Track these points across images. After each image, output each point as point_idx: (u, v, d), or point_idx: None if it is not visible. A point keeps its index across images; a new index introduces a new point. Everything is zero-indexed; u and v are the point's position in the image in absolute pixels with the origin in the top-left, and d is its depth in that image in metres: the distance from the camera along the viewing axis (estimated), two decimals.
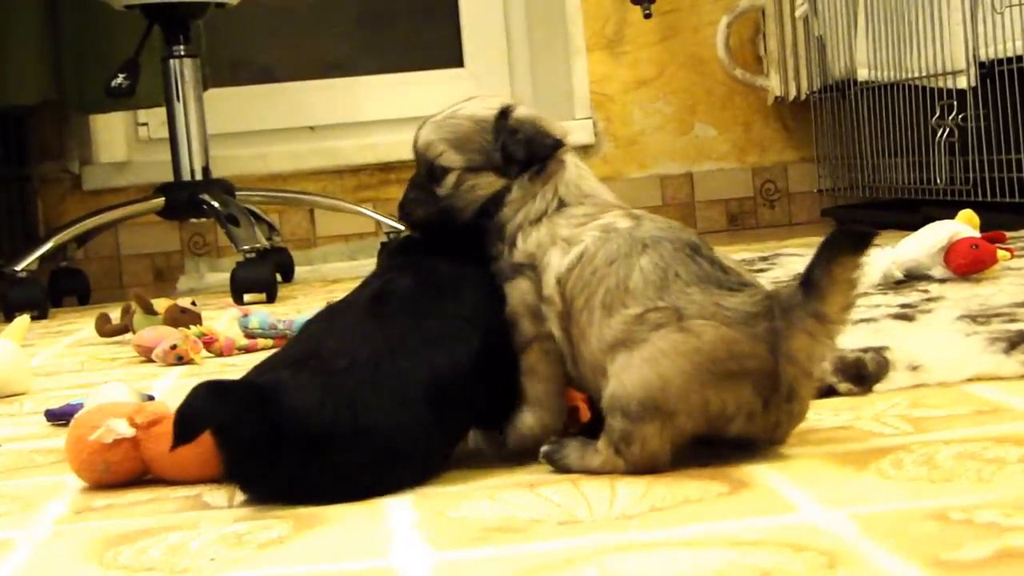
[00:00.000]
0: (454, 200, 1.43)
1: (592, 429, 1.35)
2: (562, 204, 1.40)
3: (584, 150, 4.57)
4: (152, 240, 4.48)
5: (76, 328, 3.11)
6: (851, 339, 1.79)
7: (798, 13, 4.29)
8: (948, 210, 2.64)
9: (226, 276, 3.59)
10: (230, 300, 3.28)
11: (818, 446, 1.32)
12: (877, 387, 1.59)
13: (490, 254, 1.42)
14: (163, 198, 3.74)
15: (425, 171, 1.46)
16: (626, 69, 4.62)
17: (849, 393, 1.58)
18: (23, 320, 2.28)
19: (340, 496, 1.27)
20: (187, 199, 3.70)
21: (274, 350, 1.72)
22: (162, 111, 3.82)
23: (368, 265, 3.91)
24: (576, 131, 4.57)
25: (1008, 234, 2.71)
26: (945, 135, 3.44)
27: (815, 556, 0.99)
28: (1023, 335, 1.69)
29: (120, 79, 3.56)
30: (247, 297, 3.39)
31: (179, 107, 3.73)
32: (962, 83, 3.37)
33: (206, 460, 1.34)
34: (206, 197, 3.65)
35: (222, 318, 2.92)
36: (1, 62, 3.86)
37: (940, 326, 1.87)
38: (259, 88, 4.73)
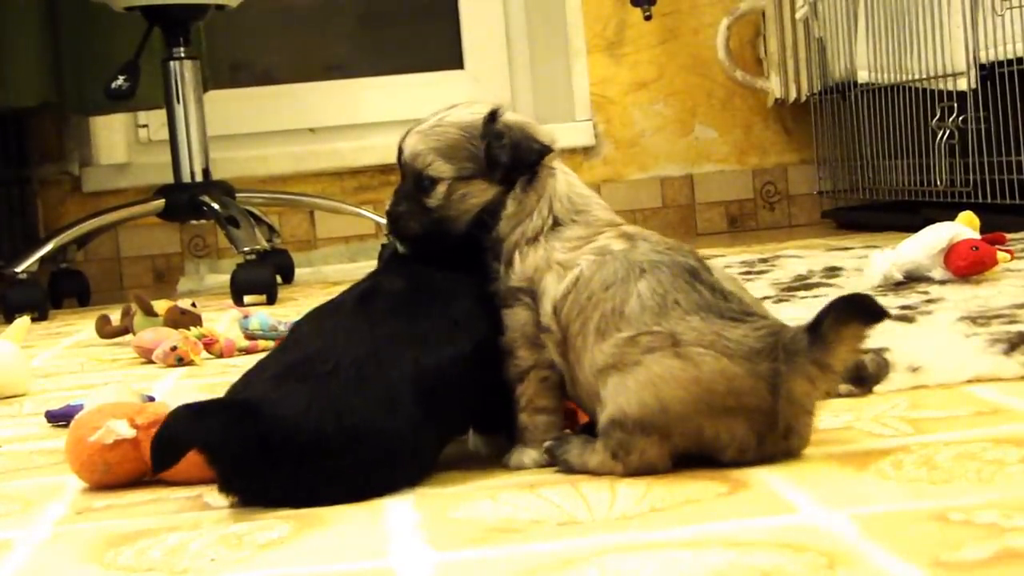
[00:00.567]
0: (446, 211, 1.41)
1: (591, 428, 1.35)
2: (557, 223, 1.39)
3: (584, 152, 4.57)
4: (152, 242, 4.48)
5: (76, 329, 3.11)
6: None
7: (798, 15, 4.29)
8: (948, 212, 2.64)
9: (226, 278, 3.59)
10: (230, 302, 3.28)
11: (818, 447, 1.32)
12: (877, 388, 1.59)
13: (488, 272, 1.41)
14: (163, 200, 3.74)
15: (413, 182, 1.43)
16: (626, 71, 4.62)
17: (849, 394, 1.58)
18: (23, 321, 2.28)
19: (334, 500, 1.27)
20: (187, 201, 3.70)
21: None
22: (162, 113, 3.82)
23: (368, 267, 3.90)
24: (576, 133, 4.57)
25: (1008, 236, 2.71)
26: (945, 137, 3.44)
27: (815, 557, 0.99)
28: (1023, 336, 1.69)
29: (120, 81, 3.56)
30: (247, 299, 3.39)
31: (179, 109, 3.73)
32: (962, 85, 3.37)
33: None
34: (206, 199, 3.65)
35: (222, 320, 2.92)
36: (1, 64, 3.86)
37: (940, 327, 1.87)
38: (259, 90, 4.73)
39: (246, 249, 3.47)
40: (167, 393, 2.00)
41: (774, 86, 4.47)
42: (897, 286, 2.36)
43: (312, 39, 4.87)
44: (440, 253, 1.42)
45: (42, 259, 3.63)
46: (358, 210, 4.13)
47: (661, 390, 1.25)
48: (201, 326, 2.51)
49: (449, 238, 1.42)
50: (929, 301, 2.14)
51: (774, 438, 1.26)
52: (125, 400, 1.55)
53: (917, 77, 3.57)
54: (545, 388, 1.38)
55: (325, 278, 4.09)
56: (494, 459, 1.41)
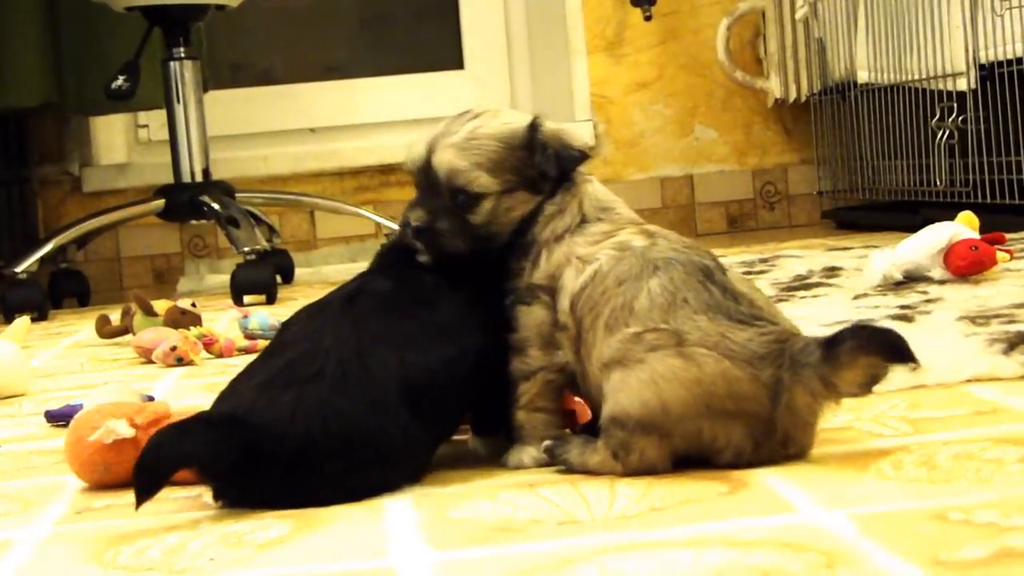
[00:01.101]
0: (490, 227, 1.39)
1: (591, 428, 1.35)
2: (584, 220, 1.38)
3: None
4: (152, 242, 4.48)
5: (76, 329, 3.11)
6: None
7: (798, 15, 4.29)
8: (948, 212, 2.64)
9: (226, 278, 3.59)
10: (230, 302, 3.28)
11: (817, 447, 1.32)
12: (876, 388, 1.59)
13: (510, 270, 1.39)
14: (163, 200, 3.74)
15: (451, 198, 1.39)
16: (626, 71, 4.62)
17: (849, 394, 1.58)
18: (23, 321, 2.28)
19: (328, 503, 1.26)
20: (187, 201, 3.70)
21: None
22: (162, 113, 3.82)
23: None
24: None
25: (1007, 236, 2.71)
26: (945, 137, 3.44)
27: (815, 556, 0.99)
28: (1022, 336, 1.69)
29: (120, 81, 3.56)
30: (247, 299, 3.39)
31: (179, 109, 3.73)
32: (962, 85, 3.37)
33: None
34: (206, 199, 3.65)
35: (222, 319, 2.92)
36: (1, 64, 3.86)
37: (939, 327, 1.87)
38: (259, 90, 4.73)
39: (246, 249, 3.47)
40: (167, 393, 2.01)
41: (774, 86, 4.47)
42: (896, 286, 2.37)
43: (312, 39, 4.87)
44: (471, 264, 1.41)
45: (42, 259, 3.63)
46: (358, 210, 4.13)
47: (663, 389, 1.24)
48: (201, 326, 2.51)
49: (490, 252, 1.40)
50: (928, 301, 2.14)
51: (771, 445, 1.26)
52: (125, 400, 1.55)
53: (917, 77, 3.58)
54: (548, 390, 1.38)
55: (325, 278, 4.09)
56: (493, 459, 1.42)
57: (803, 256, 3.17)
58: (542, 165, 1.38)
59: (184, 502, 1.33)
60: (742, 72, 4.52)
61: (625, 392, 1.27)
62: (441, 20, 4.82)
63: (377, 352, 1.32)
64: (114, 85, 3.57)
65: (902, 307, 2.10)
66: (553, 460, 1.34)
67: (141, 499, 1.22)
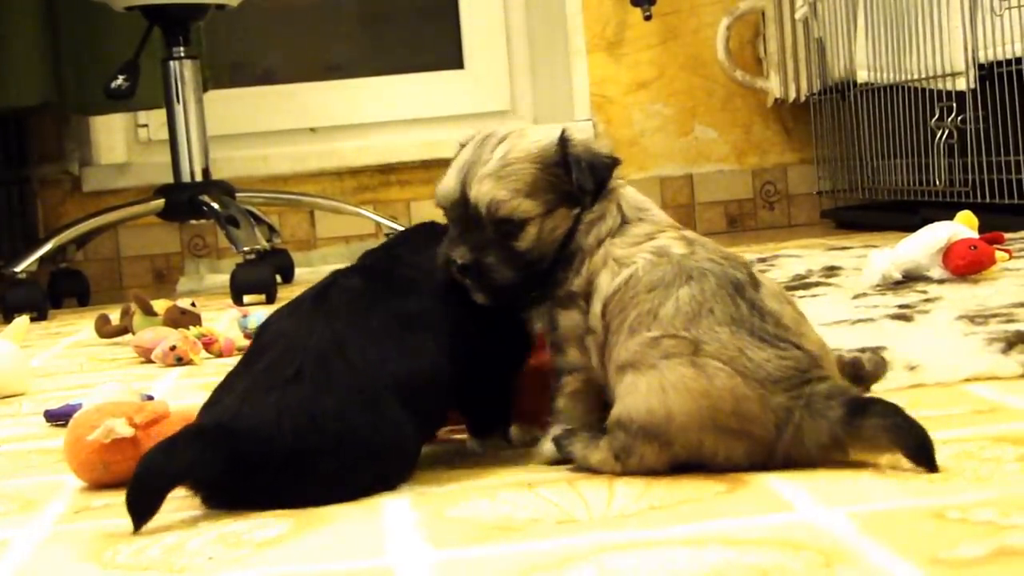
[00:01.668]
0: (538, 250, 1.37)
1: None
2: (624, 221, 1.37)
3: None
4: (152, 241, 4.48)
5: (75, 329, 3.12)
6: (849, 339, 1.80)
7: (798, 15, 4.29)
8: (947, 211, 2.64)
9: (226, 277, 3.59)
10: (230, 301, 3.28)
11: None
12: (875, 387, 1.59)
13: (553, 281, 1.37)
14: (163, 199, 3.74)
15: (495, 229, 1.36)
16: (626, 71, 4.62)
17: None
18: (22, 321, 2.28)
19: (322, 502, 1.26)
20: (187, 201, 3.70)
21: None
22: (162, 113, 3.83)
23: None
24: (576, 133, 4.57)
25: (1006, 235, 2.71)
26: (944, 137, 3.44)
27: (813, 555, 0.99)
28: (1020, 335, 1.70)
29: (120, 80, 3.56)
30: (247, 298, 3.39)
31: (179, 109, 3.73)
32: (961, 85, 3.37)
33: None
34: (206, 199, 3.66)
35: (222, 319, 2.92)
36: (1, 63, 3.86)
37: (938, 326, 1.88)
38: (259, 90, 4.73)
39: (246, 249, 3.47)
40: (166, 392, 2.01)
41: (774, 86, 4.47)
42: (896, 285, 2.37)
43: (312, 39, 4.87)
44: (524, 290, 1.39)
45: (42, 259, 3.63)
46: (358, 210, 4.13)
47: (670, 397, 1.24)
48: (200, 326, 2.51)
49: (538, 274, 1.38)
50: (927, 300, 2.14)
51: (772, 466, 1.24)
52: (124, 399, 1.55)
53: (916, 77, 3.58)
54: (590, 386, 1.37)
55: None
56: (492, 458, 1.42)
57: (802, 256, 3.18)
58: (580, 180, 1.36)
59: (183, 501, 1.33)
60: (742, 72, 4.52)
61: (633, 396, 1.26)
62: (441, 20, 4.82)
63: (353, 344, 1.31)
64: (114, 84, 3.57)
65: (901, 306, 2.10)
66: (559, 449, 1.35)
67: (138, 523, 1.22)
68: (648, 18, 4.47)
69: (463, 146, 1.41)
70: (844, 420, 1.21)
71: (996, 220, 2.90)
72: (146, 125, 4.56)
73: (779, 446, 1.23)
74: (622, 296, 1.31)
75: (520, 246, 1.36)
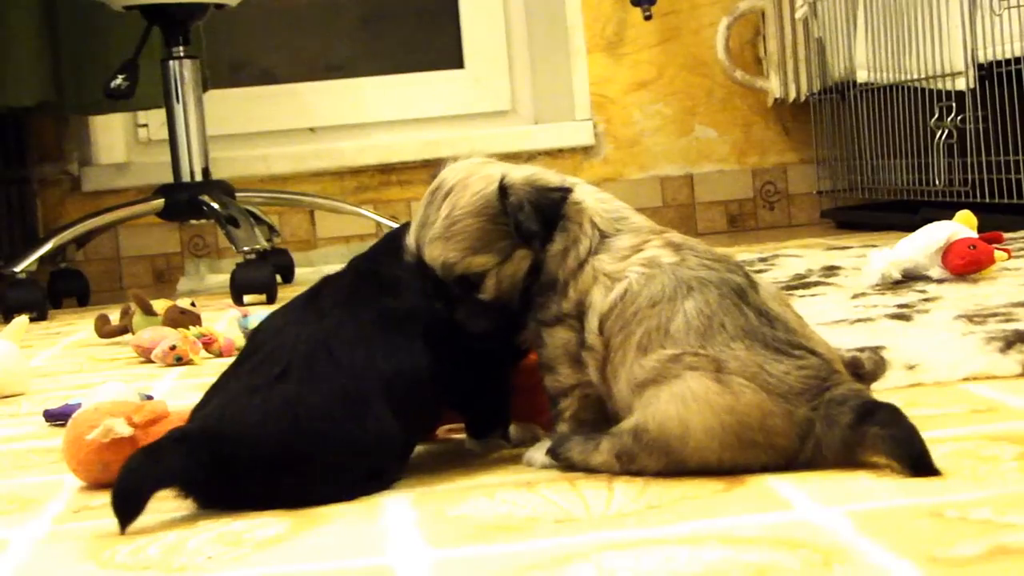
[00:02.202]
0: (502, 296, 1.35)
1: None
2: (603, 236, 1.35)
3: (584, 152, 4.58)
4: (152, 241, 4.48)
5: (75, 329, 3.12)
6: (848, 338, 1.80)
7: (798, 15, 4.29)
8: (946, 211, 2.64)
9: (226, 277, 3.59)
10: (230, 301, 3.28)
11: None
12: (874, 386, 1.59)
13: (532, 304, 1.36)
14: (163, 199, 3.74)
15: (458, 286, 1.35)
16: (626, 71, 4.62)
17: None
18: (22, 321, 2.28)
19: (314, 502, 1.26)
20: (187, 200, 3.70)
21: None
22: (162, 112, 3.83)
23: None
24: (576, 133, 4.58)
25: (1006, 235, 2.71)
26: (944, 137, 3.45)
27: (810, 553, 0.99)
28: (1019, 335, 1.70)
29: (119, 80, 3.56)
30: (247, 298, 3.39)
31: (179, 108, 3.73)
32: (961, 85, 3.37)
33: None
34: (206, 198, 3.66)
35: (222, 319, 2.92)
36: (0, 64, 3.86)
37: (937, 326, 1.88)
38: (259, 89, 4.73)
39: (246, 249, 3.47)
40: (166, 392, 2.01)
41: (774, 86, 4.47)
42: (895, 285, 2.37)
43: (312, 38, 4.87)
44: (506, 326, 1.38)
45: (41, 259, 3.63)
46: (358, 210, 4.13)
47: (691, 409, 1.22)
48: (200, 325, 2.51)
49: (514, 312, 1.37)
50: (926, 300, 2.15)
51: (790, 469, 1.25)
52: (123, 399, 1.55)
53: (916, 77, 3.58)
54: (588, 404, 1.36)
55: None
56: (491, 457, 1.42)
57: (802, 255, 3.18)
58: (522, 228, 1.33)
59: (181, 501, 1.33)
60: (742, 72, 4.52)
61: (653, 407, 1.25)
62: (441, 19, 4.83)
63: (340, 344, 1.31)
64: (113, 84, 3.57)
65: (900, 306, 2.10)
66: (556, 460, 1.34)
67: (123, 525, 1.22)
68: (648, 18, 4.47)
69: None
70: (852, 425, 1.20)
71: (995, 220, 2.90)
72: (146, 125, 4.56)
73: (800, 456, 1.23)
74: (621, 312, 1.30)
75: (484, 297, 1.35)
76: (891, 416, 1.20)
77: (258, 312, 2.52)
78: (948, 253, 2.36)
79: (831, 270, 2.77)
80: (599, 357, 1.32)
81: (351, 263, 1.47)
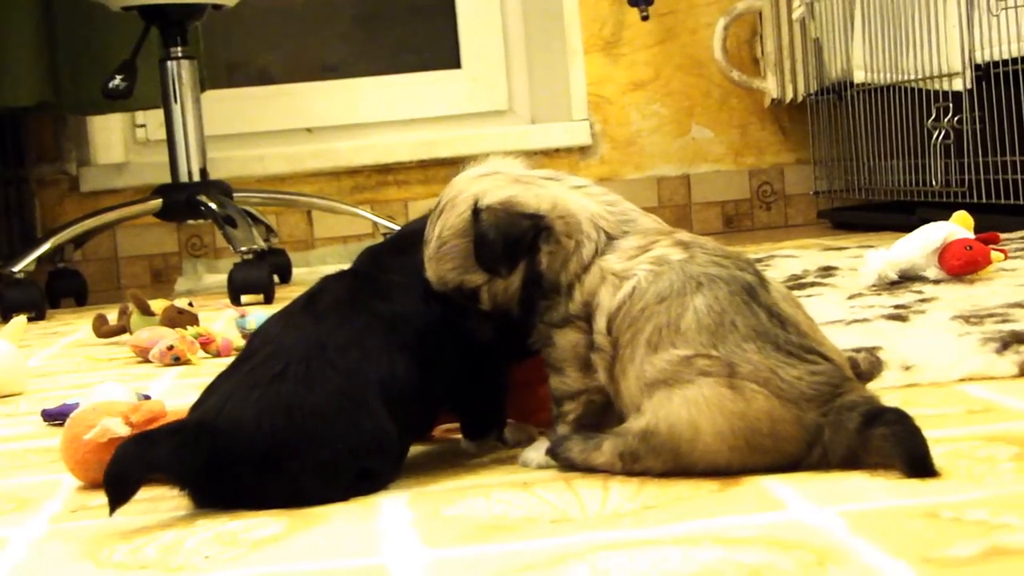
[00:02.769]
0: (500, 307, 1.37)
1: None
2: (610, 238, 1.34)
3: (581, 152, 4.58)
4: (150, 241, 4.48)
5: (73, 329, 3.12)
6: (844, 339, 1.80)
7: (795, 15, 4.30)
8: (943, 212, 2.65)
9: (224, 277, 3.59)
10: (227, 301, 3.28)
11: None
12: (870, 386, 1.59)
13: (537, 309, 1.36)
14: (161, 199, 3.74)
15: (459, 297, 1.37)
16: (623, 71, 4.63)
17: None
18: (20, 321, 2.29)
19: (308, 501, 1.27)
20: (185, 201, 3.70)
21: None
22: (160, 112, 3.83)
23: None
24: (573, 133, 4.58)
25: (1002, 235, 2.71)
26: (941, 137, 3.45)
27: (805, 553, 1.00)
28: (1015, 335, 1.70)
29: (117, 80, 3.56)
30: (244, 298, 3.39)
31: (176, 109, 3.73)
32: (958, 85, 3.37)
33: None
34: (204, 199, 3.66)
35: (219, 319, 2.92)
36: None
37: (933, 326, 1.88)
38: (256, 90, 4.74)
39: (243, 249, 3.47)
40: (164, 392, 2.01)
41: (771, 86, 4.48)
42: (891, 285, 2.37)
43: (309, 39, 4.88)
44: (511, 329, 1.39)
45: (39, 259, 3.63)
46: (355, 210, 4.13)
47: (703, 415, 1.22)
48: (198, 325, 2.51)
49: (515, 320, 1.37)
50: (923, 300, 2.15)
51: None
52: (121, 399, 1.55)
53: (913, 77, 3.58)
54: (592, 410, 1.35)
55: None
56: (487, 457, 1.42)
57: (799, 256, 3.18)
58: (484, 259, 1.34)
59: (179, 500, 1.33)
60: (739, 72, 4.53)
61: (664, 409, 1.24)
62: (438, 19, 4.83)
63: (338, 347, 1.32)
64: (111, 84, 3.57)
65: (897, 306, 2.11)
66: (556, 460, 1.34)
67: (113, 507, 1.23)
68: (645, 18, 4.48)
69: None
70: (859, 429, 1.20)
71: (992, 220, 2.90)
72: (144, 125, 4.56)
73: (806, 462, 1.23)
74: (629, 309, 1.29)
75: (483, 308, 1.37)
76: (896, 416, 1.20)
77: (256, 312, 2.52)
78: (945, 254, 2.36)
79: (827, 271, 2.77)
80: (608, 357, 1.31)
81: (356, 261, 1.47)
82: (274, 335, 1.36)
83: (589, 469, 1.31)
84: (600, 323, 1.32)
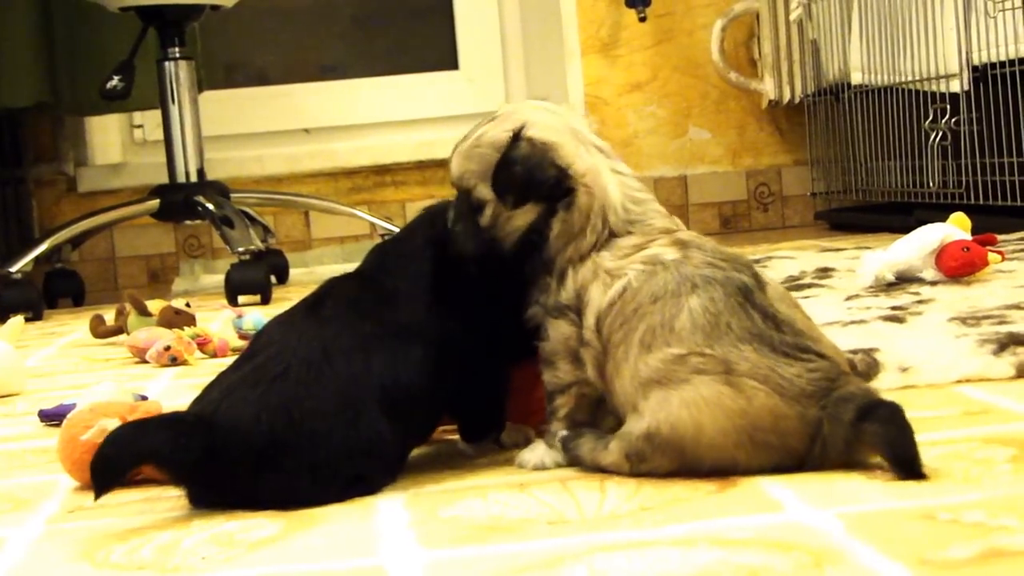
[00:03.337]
0: (495, 232, 1.37)
1: None
2: (612, 235, 1.34)
3: None
4: (147, 242, 4.48)
5: (70, 329, 3.12)
6: (842, 340, 1.80)
7: (792, 17, 4.30)
8: (940, 213, 2.65)
9: (221, 278, 3.59)
10: (225, 302, 3.28)
11: None
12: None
13: (536, 282, 1.37)
14: (158, 200, 3.74)
15: (466, 202, 1.38)
16: (621, 72, 4.63)
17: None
18: (17, 321, 2.28)
19: (303, 502, 1.27)
20: (182, 201, 3.70)
21: None
22: (157, 113, 3.82)
23: None
24: None
25: (999, 237, 2.71)
26: (938, 138, 3.45)
27: (802, 555, 1.00)
28: (1012, 337, 1.70)
29: (115, 81, 3.56)
30: (241, 299, 3.39)
31: (174, 109, 3.73)
32: (955, 87, 3.38)
33: None
34: (201, 199, 3.66)
35: (217, 320, 2.92)
36: None
37: (930, 328, 1.88)
38: (254, 90, 4.74)
39: (240, 249, 3.47)
40: (161, 393, 2.01)
41: (768, 88, 4.48)
42: (889, 287, 2.37)
43: (307, 40, 4.88)
44: (501, 269, 1.39)
45: (37, 259, 3.63)
46: (353, 210, 4.13)
47: (704, 413, 1.22)
48: (195, 326, 2.51)
49: (503, 257, 1.38)
50: (920, 302, 2.15)
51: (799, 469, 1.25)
52: (118, 399, 1.55)
53: (910, 79, 3.58)
54: (584, 404, 1.36)
55: (320, 279, 4.06)
56: (484, 459, 1.42)
57: (796, 257, 3.18)
58: (497, 182, 1.35)
59: (176, 501, 1.33)
60: (736, 73, 4.53)
61: (665, 412, 1.24)
62: (436, 20, 4.83)
63: (342, 352, 1.32)
64: (109, 85, 3.57)
65: (894, 308, 2.11)
66: (565, 452, 1.34)
67: (98, 493, 1.23)
68: (643, 19, 4.48)
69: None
70: (853, 422, 1.20)
71: (989, 222, 2.90)
72: (141, 126, 4.56)
73: (810, 457, 1.22)
74: (621, 309, 1.29)
75: (482, 222, 1.37)
76: (889, 414, 1.20)
77: (253, 313, 2.52)
78: (942, 255, 2.36)
79: (825, 272, 2.78)
80: (596, 354, 1.32)
81: (364, 260, 1.48)
82: (278, 336, 1.36)
83: (595, 468, 1.31)
84: (589, 320, 1.32)
